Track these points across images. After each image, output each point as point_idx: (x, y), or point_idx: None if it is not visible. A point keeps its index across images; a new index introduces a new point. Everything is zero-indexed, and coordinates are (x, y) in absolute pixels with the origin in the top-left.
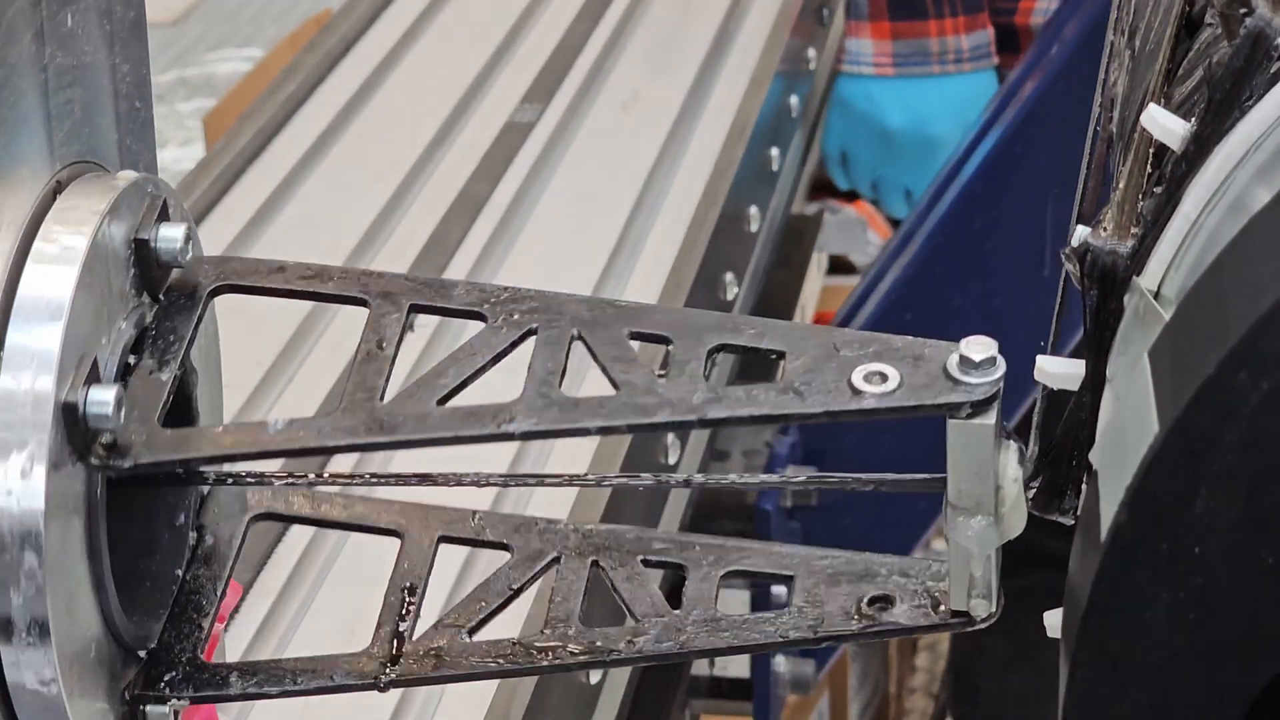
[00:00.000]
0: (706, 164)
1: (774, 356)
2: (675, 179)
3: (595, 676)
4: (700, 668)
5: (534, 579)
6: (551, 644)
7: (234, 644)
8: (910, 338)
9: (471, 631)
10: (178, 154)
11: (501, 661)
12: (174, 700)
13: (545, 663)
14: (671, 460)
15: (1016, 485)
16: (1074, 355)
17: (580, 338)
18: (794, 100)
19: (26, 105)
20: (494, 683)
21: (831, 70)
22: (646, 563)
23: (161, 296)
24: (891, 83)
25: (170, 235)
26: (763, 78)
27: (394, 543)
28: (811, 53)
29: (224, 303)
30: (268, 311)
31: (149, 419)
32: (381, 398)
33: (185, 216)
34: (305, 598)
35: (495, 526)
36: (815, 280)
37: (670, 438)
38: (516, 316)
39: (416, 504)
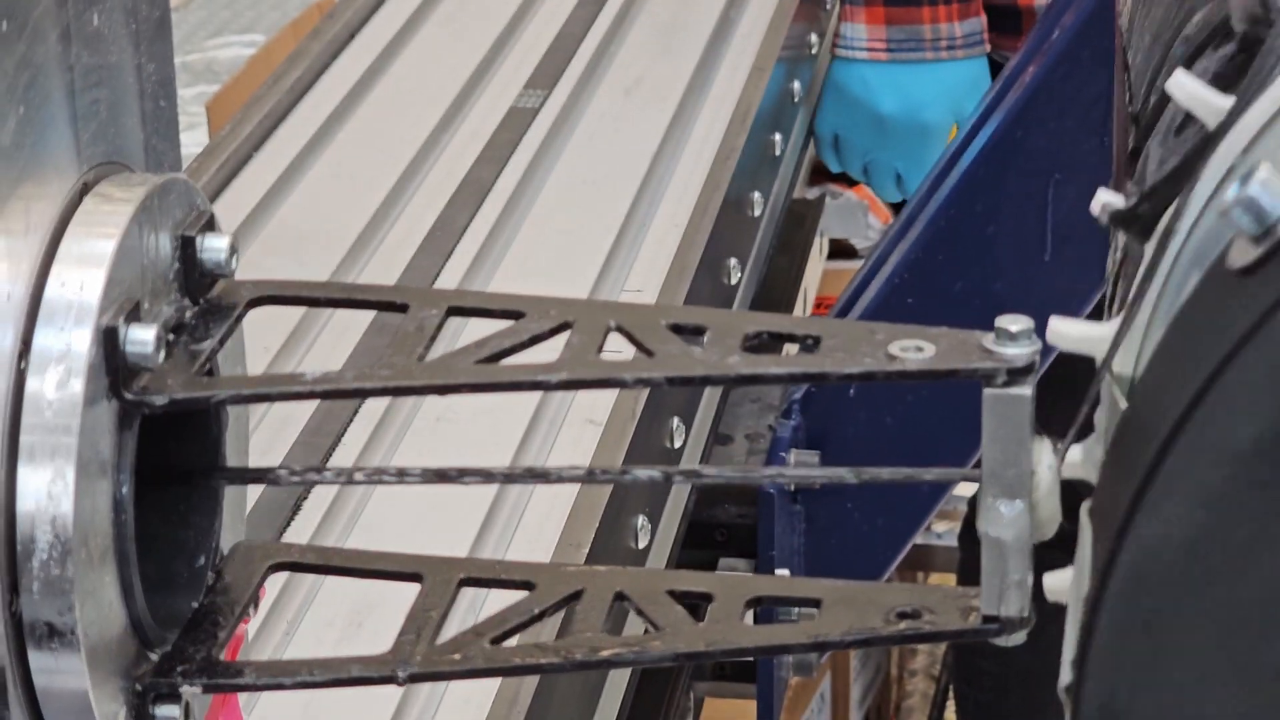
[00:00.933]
0: (709, 150)
1: (810, 341)
2: (679, 165)
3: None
4: None
5: (559, 606)
6: (578, 643)
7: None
8: (948, 329)
9: (493, 641)
10: (181, 139)
11: (524, 658)
12: (186, 686)
13: (576, 657)
14: (677, 444)
15: (1051, 473)
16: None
17: (618, 328)
18: (796, 85)
19: (53, 105)
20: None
21: (832, 51)
22: (671, 593)
23: (202, 301)
24: (885, 68)
25: (216, 245)
26: (765, 63)
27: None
28: (813, 38)
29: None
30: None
31: (184, 370)
32: (421, 359)
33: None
34: (305, 597)
35: (518, 569)
36: (817, 265)
37: (676, 422)
38: (554, 312)
39: (441, 556)
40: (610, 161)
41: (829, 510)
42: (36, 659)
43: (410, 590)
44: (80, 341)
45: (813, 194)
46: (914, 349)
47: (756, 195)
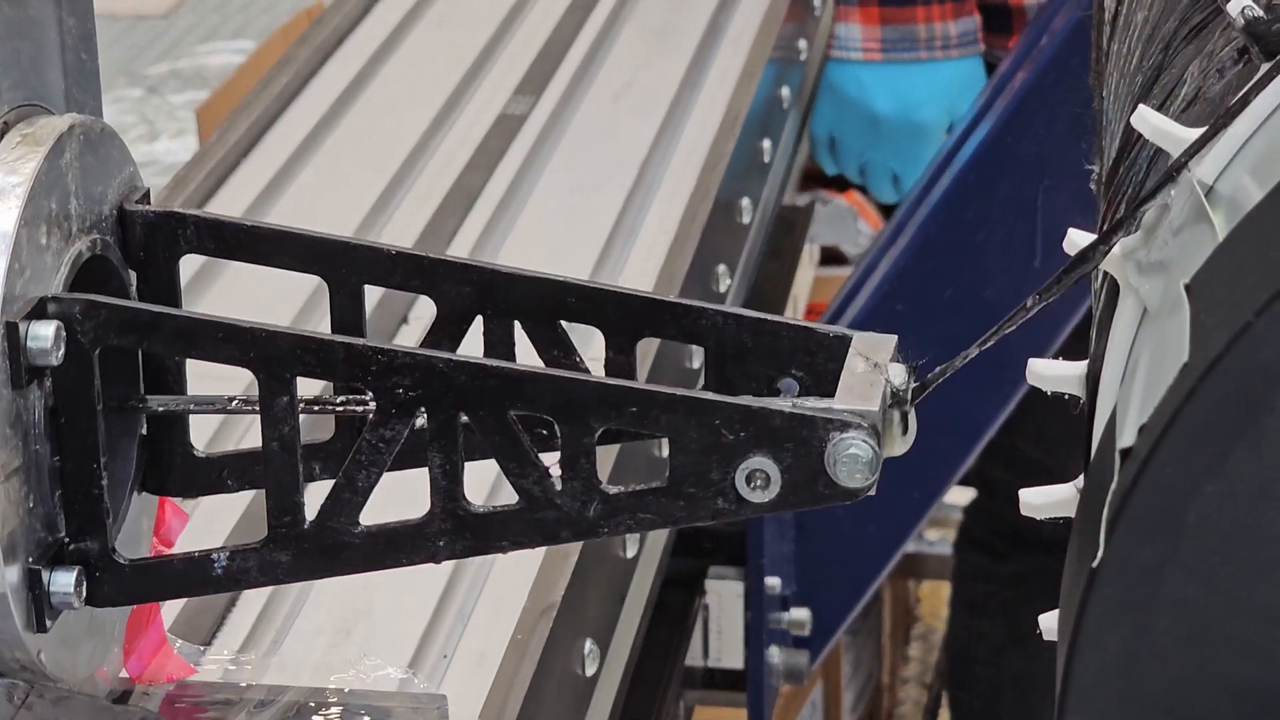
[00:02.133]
0: (699, 156)
1: (657, 441)
2: (668, 171)
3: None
4: (694, 659)
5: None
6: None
7: (232, 637)
8: (789, 412)
9: None
10: (171, 145)
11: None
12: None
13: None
14: (664, 452)
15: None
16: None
17: (469, 427)
18: (785, 91)
19: None
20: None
21: (821, 56)
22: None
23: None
24: (879, 68)
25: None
26: (754, 69)
27: None
28: (802, 43)
29: None
30: None
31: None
32: (302, 518)
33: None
34: (293, 606)
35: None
36: (807, 271)
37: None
38: (401, 392)
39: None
40: (599, 167)
41: (819, 518)
42: None
43: (396, 602)
44: None
45: (803, 200)
46: (760, 477)
47: (746, 201)
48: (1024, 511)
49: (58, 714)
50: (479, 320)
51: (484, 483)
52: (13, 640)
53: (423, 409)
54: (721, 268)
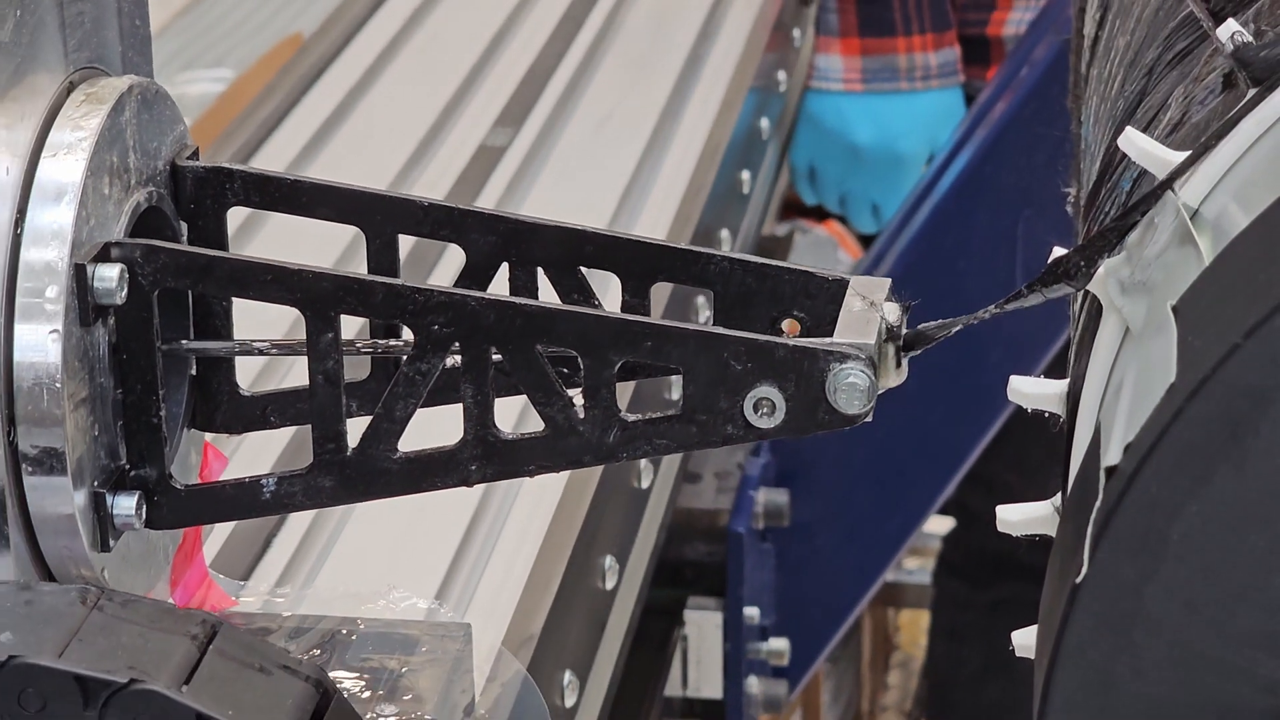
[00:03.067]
0: (679, 186)
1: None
2: (648, 200)
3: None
4: (673, 689)
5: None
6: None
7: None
8: (793, 345)
9: None
10: None
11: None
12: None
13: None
14: (645, 484)
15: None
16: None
17: (500, 370)
18: (765, 122)
19: (44, 12)
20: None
21: (801, 87)
22: None
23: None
24: (860, 99)
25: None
26: (734, 100)
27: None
28: (782, 74)
29: None
30: None
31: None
32: (345, 446)
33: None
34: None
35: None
36: None
37: (644, 463)
38: (437, 329)
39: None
40: (579, 197)
41: (798, 548)
42: (30, 481)
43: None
44: (64, 219)
45: (782, 230)
46: (766, 405)
47: (725, 232)
48: (1000, 528)
49: (125, 615)
50: (504, 268)
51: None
52: (80, 558)
53: (456, 344)
54: (701, 298)
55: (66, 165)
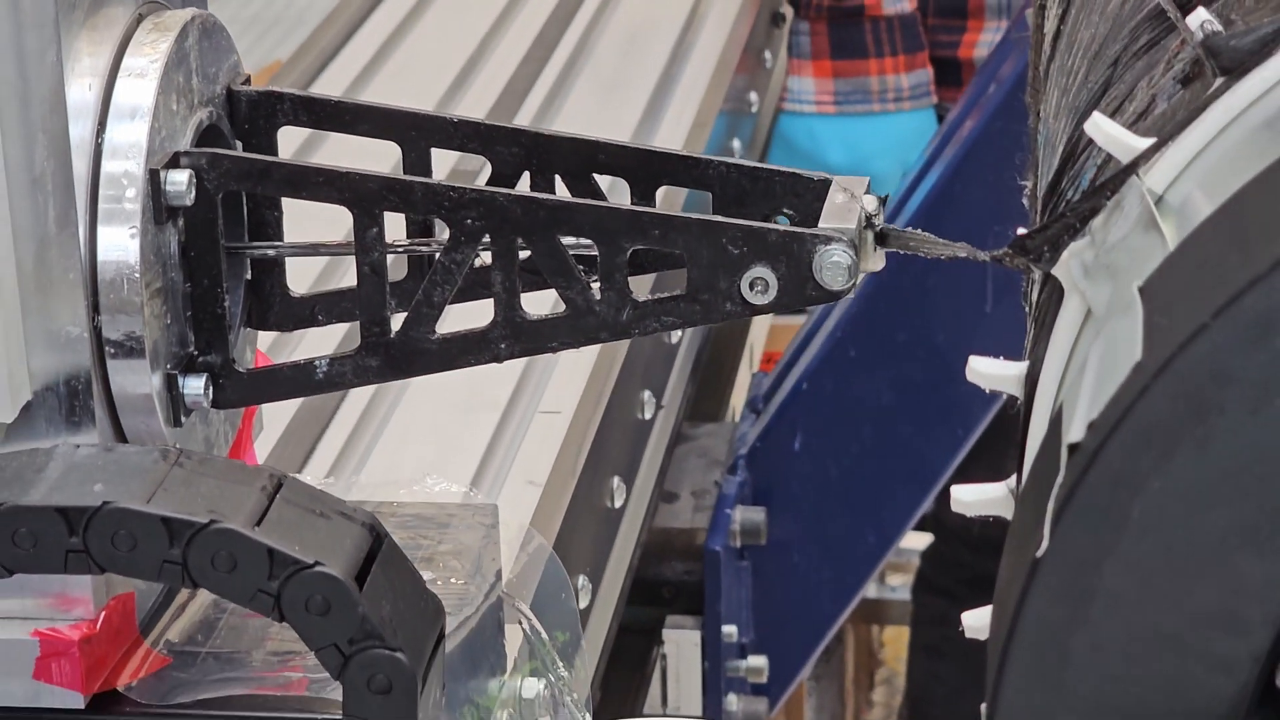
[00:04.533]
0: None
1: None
2: None
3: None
4: (653, 707)
5: None
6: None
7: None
8: (784, 229)
9: None
10: None
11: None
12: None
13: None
14: (618, 503)
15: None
16: None
17: (528, 269)
18: (736, 143)
19: None
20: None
21: (774, 109)
22: None
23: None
24: (833, 120)
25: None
26: (705, 120)
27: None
28: (753, 95)
29: None
30: None
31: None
32: (389, 330)
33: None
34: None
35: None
36: (763, 320)
37: (616, 481)
38: (471, 222)
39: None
40: None
41: (776, 565)
42: (112, 364)
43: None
44: (139, 133)
45: None
46: (760, 284)
47: None
48: (954, 508)
49: (202, 470)
50: (526, 176)
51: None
52: (155, 434)
53: (487, 236)
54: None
55: (140, 85)
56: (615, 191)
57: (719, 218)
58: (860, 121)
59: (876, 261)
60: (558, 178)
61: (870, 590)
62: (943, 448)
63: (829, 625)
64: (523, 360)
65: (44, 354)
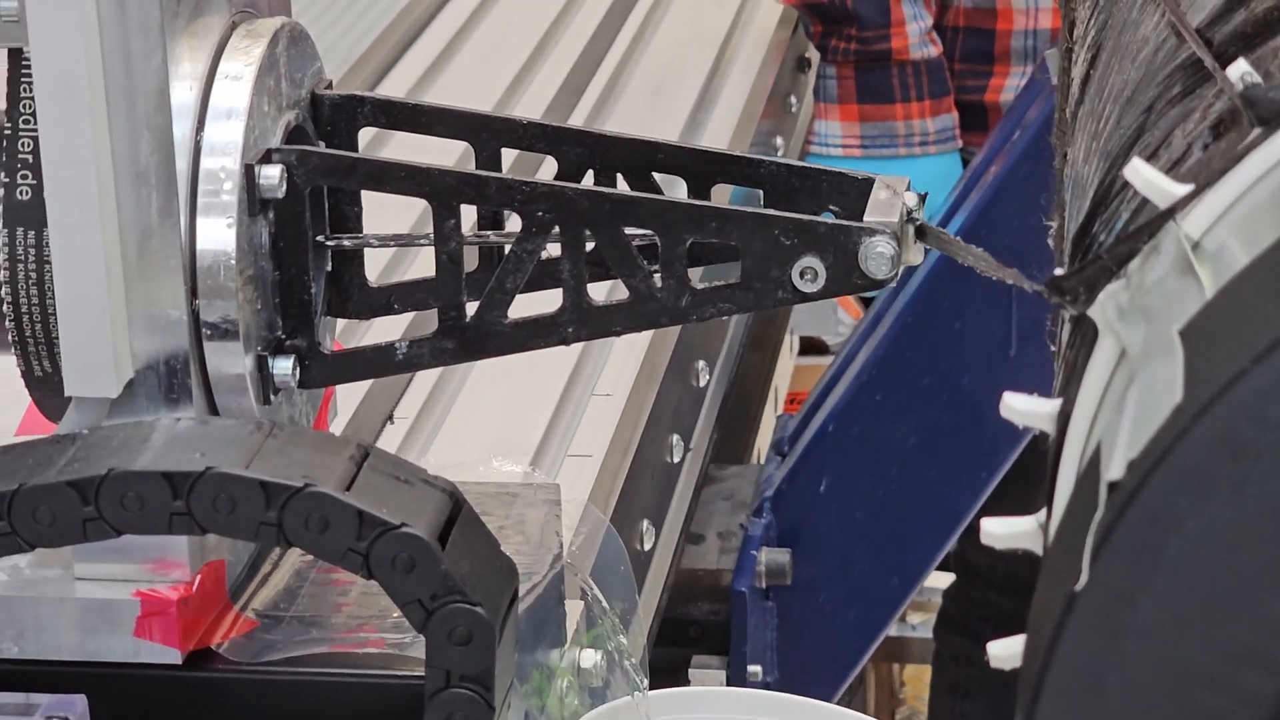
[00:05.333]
0: None
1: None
2: None
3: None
4: None
5: None
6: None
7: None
8: (832, 223)
9: None
10: None
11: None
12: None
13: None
14: (647, 545)
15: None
16: None
17: (593, 259)
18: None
19: None
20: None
21: (800, 152)
22: None
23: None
24: (859, 164)
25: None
26: None
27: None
28: (779, 140)
29: None
30: None
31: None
32: (464, 314)
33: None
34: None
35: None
36: (788, 362)
37: (645, 524)
38: (541, 214)
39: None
40: None
41: (801, 605)
42: (209, 345)
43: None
44: (236, 131)
45: None
46: (810, 273)
47: None
48: (983, 540)
49: (294, 440)
50: (590, 174)
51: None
52: (246, 411)
53: (557, 227)
54: (700, 363)
55: (236, 88)
56: (671, 189)
57: (772, 211)
58: (886, 165)
59: (916, 254)
60: (619, 176)
61: (891, 629)
62: (966, 490)
63: (853, 665)
64: (553, 404)
65: (146, 335)
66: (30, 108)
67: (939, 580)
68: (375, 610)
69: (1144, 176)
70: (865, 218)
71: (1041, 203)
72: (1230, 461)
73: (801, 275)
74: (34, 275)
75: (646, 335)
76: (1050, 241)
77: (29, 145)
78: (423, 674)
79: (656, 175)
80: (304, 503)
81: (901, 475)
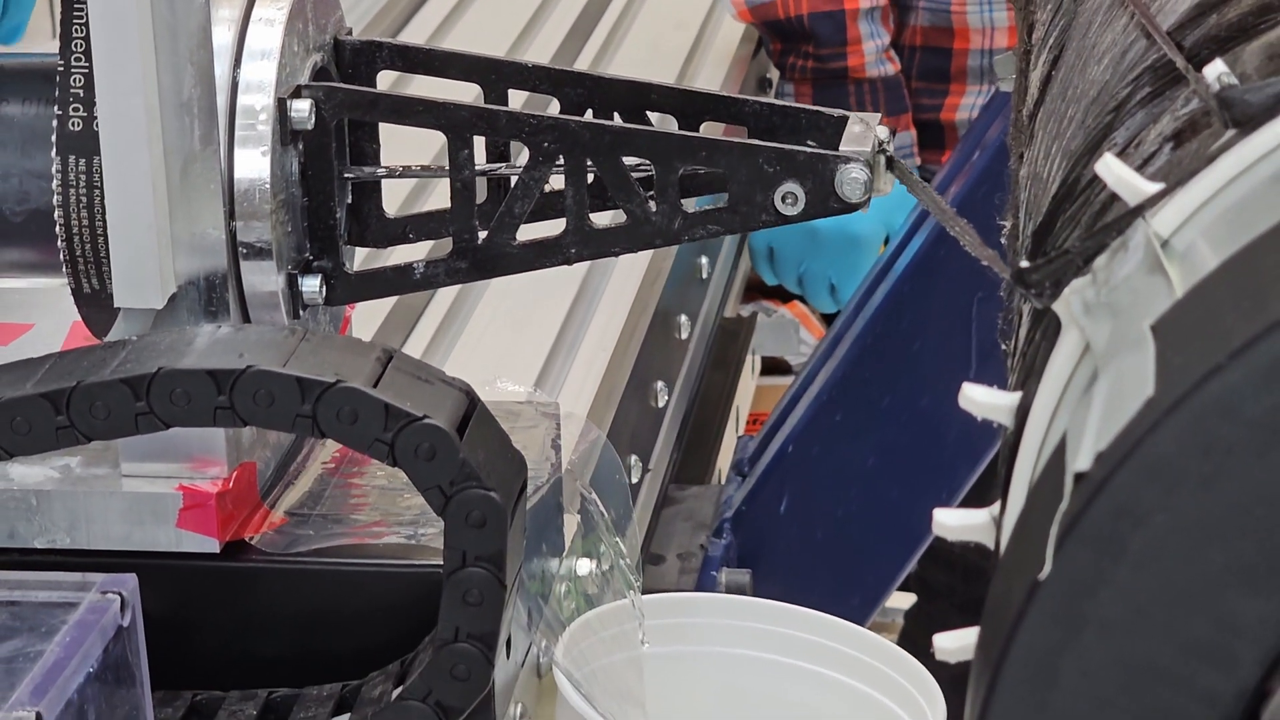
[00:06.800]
0: (636, 274)
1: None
2: (607, 287)
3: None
4: None
5: None
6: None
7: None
8: (810, 151)
9: None
10: None
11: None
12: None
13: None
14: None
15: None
16: None
17: (593, 192)
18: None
19: None
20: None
21: None
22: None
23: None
24: None
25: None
26: None
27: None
28: None
29: None
30: None
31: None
32: (476, 236)
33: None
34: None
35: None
36: (749, 382)
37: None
38: (547, 145)
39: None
40: (538, 285)
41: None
42: (245, 264)
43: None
44: (269, 70)
45: (746, 311)
46: (791, 197)
47: (683, 318)
48: (936, 531)
49: (325, 344)
50: (589, 113)
51: None
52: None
53: (562, 157)
54: (659, 384)
55: (270, 31)
56: (664, 127)
57: (756, 141)
58: None
59: (887, 183)
60: (616, 114)
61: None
62: (927, 510)
63: None
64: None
65: (187, 254)
66: (81, 47)
67: (901, 601)
68: (391, 511)
69: (1115, 172)
70: (841, 147)
71: (996, 201)
72: (1201, 456)
73: (783, 200)
74: (84, 199)
75: (604, 357)
76: (1003, 240)
77: (80, 80)
78: (437, 563)
79: (651, 114)
80: (336, 397)
81: (862, 495)
